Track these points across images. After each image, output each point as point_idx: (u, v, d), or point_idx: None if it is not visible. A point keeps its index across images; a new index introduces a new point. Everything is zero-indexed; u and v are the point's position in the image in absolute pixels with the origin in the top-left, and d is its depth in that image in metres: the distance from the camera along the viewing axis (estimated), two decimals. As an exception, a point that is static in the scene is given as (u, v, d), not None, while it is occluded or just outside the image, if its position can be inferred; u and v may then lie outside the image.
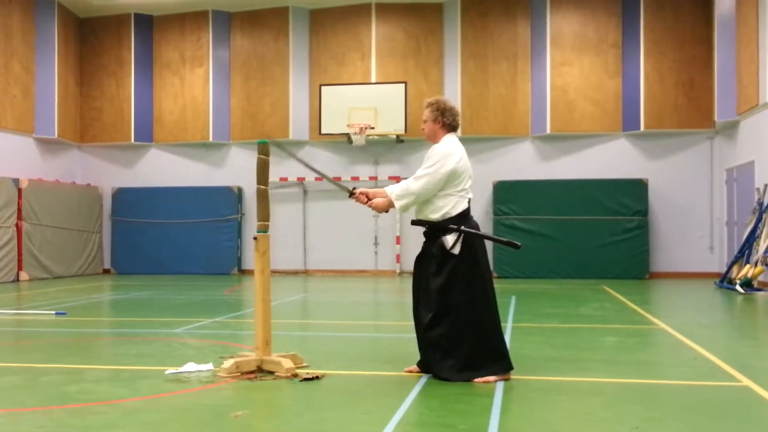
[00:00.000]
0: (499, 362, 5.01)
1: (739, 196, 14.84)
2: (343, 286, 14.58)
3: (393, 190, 5.19)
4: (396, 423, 3.98)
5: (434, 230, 5.12)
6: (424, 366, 5.22)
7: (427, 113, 5.29)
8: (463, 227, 5.04)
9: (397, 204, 5.15)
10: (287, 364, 5.20)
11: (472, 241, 5.06)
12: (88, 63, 18.51)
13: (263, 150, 5.44)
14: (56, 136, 17.17)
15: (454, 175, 5.07)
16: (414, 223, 5.28)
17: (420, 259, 5.25)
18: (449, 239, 5.03)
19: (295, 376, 5.11)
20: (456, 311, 4.99)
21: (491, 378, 4.96)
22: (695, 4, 16.27)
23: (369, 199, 5.26)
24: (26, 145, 16.83)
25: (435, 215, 5.10)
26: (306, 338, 7.54)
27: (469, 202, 5.20)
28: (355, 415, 4.19)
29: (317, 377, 5.10)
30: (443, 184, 5.07)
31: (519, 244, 5.09)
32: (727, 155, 15.86)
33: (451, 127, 5.28)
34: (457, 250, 5.02)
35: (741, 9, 14.39)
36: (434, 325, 5.04)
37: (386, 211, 5.30)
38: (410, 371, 5.32)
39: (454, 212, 5.08)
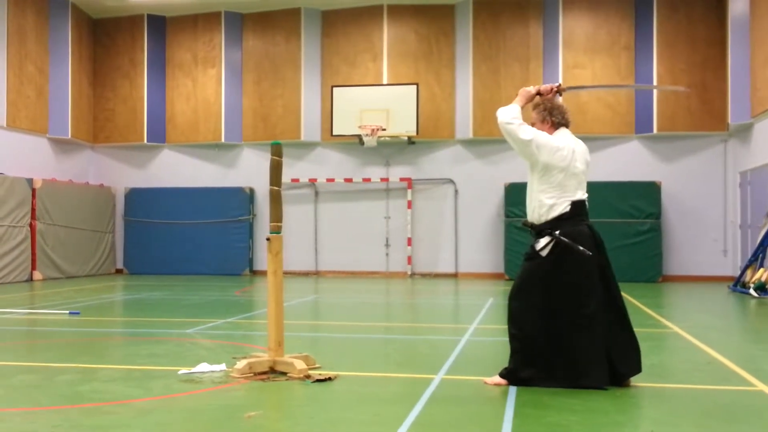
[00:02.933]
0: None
1: (753, 200, 14.74)
2: (354, 287, 14.58)
3: (511, 110, 5.07)
4: (408, 425, 3.97)
5: (535, 232, 5.07)
6: None
7: (534, 116, 5.20)
8: (558, 232, 4.90)
9: (500, 113, 5.09)
10: (300, 365, 5.20)
11: (565, 249, 4.89)
12: (101, 64, 18.61)
13: (276, 151, 5.45)
14: (70, 136, 17.27)
15: (548, 168, 4.96)
16: (523, 224, 5.26)
17: None
18: (541, 242, 4.97)
19: (308, 377, 5.11)
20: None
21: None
22: (708, 6, 16.18)
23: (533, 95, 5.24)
24: (40, 146, 16.93)
25: (534, 217, 5.07)
26: (318, 339, 7.55)
27: (573, 204, 4.99)
28: (367, 417, 4.18)
29: (329, 378, 5.10)
30: (522, 151, 5.02)
31: (590, 253, 4.94)
32: (740, 158, 15.77)
33: (561, 125, 5.18)
34: (545, 253, 4.94)
35: (755, 10, 14.30)
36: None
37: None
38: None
39: (551, 215, 4.97)
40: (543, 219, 5.00)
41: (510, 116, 5.03)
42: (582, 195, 5.08)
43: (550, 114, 5.16)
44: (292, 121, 17.73)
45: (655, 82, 16.19)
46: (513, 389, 4.80)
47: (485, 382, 4.98)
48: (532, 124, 5.19)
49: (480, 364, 5.71)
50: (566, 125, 5.20)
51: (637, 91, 16.54)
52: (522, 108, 5.14)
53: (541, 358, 4.87)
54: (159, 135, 18.43)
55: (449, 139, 17.23)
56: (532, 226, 5.09)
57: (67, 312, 9.35)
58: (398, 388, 5.00)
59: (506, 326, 5.09)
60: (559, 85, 5.31)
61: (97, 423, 4.02)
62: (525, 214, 5.24)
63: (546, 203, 4.99)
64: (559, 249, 4.91)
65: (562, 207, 4.98)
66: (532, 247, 5.02)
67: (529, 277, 4.99)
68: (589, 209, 5.21)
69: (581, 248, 4.86)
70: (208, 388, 4.89)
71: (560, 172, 4.98)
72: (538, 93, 5.22)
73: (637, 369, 4.98)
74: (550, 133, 5.12)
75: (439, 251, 17.40)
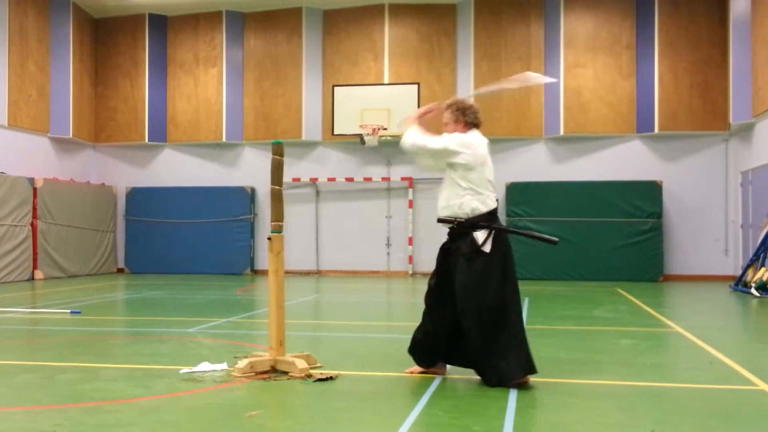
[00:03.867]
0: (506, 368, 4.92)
1: (755, 199, 14.73)
2: (355, 286, 14.58)
3: (413, 132, 5.17)
4: (410, 424, 3.97)
5: (463, 227, 5.02)
6: (443, 362, 5.20)
7: (447, 115, 5.25)
8: (494, 224, 4.99)
9: (404, 139, 5.21)
10: (301, 364, 5.20)
11: (502, 241, 4.99)
12: (102, 63, 18.62)
13: (277, 150, 5.45)
14: (71, 135, 17.27)
15: (468, 166, 5.01)
16: (441, 221, 5.18)
17: (445, 258, 5.15)
18: (480, 236, 4.95)
19: (309, 376, 5.11)
20: (479, 311, 4.91)
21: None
22: (710, 5, 16.16)
23: (418, 117, 5.32)
24: (41, 145, 16.94)
25: (464, 212, 5.03)
26: (319, 339, 7.55)
27: (497, 201, 5.14)
28: (369, 416, 4.19)
29: (331, 378, 5.11)
30: (441, 159, 5.09)
31: (556, 240, 4.96)
32: (742, 158, 15.75)
33: (474, 125, 5.24)
34: (488, 248, 4.94)
35: (756, 10, 14.28)
36: (463, 324, 4.99)
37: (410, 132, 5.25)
38: (412, 372, 5.31)
39: (484, 209, 5.01)
40: (476, 213, 5.01)
41: (412, 138, 5.14)
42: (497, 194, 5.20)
43: (462, 114, 5.23)
44: (293, 120, 17.73)
45: (656, 81, 16.20)
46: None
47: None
48: (446, 124, 5.27)
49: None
50: (478, 126, 5.28)
51: (638, 89, 16.47)
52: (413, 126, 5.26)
53: (493, 354, 4.88)
54: (160, 134, 18.43)
55: (450, 138, 17.21)
56: (459, 222, 5.05)
57: (69, 311, 9.35)
58: (399, 387, 5.00)
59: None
60: (438, 103, 5.40)
61: (98, 422, 4.02)
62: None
63: (477, 197, 5.03)
64: (499, 243, 4.96)
65: (491, 201, 5.08)
66: (472, 244, 4.95)
67: (480, 275, 4.92)
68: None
69: (549, 237, 4.98)
70: (209, 387, 4.89)
71: (477, 170, 5.04)
72: (425, 113, 5.35)
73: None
74: (463, 133, 5.19)
75: (441, 250, 17.37)
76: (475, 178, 5.04)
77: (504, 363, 4.84)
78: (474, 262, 4.95)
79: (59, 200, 16.61)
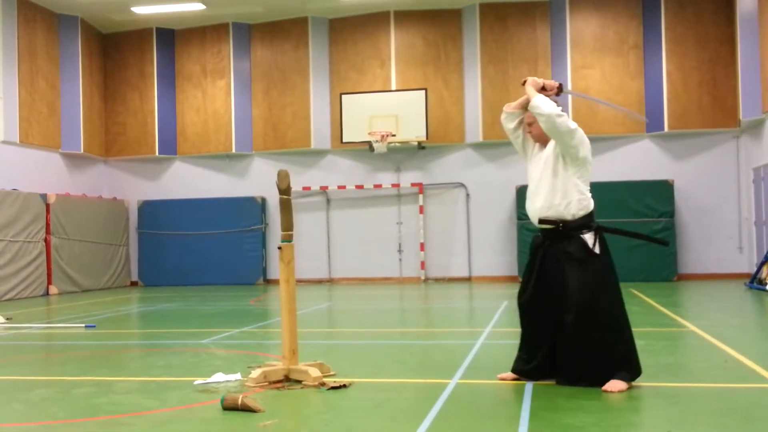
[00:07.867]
0: (627, 369, 4.81)
1: (767, 196, 14.62)
2: (367, 293, 14.57)
3: (548, 101, 4.87)
4: (424, 430, 3.96)
5: (568, 228, 4.88)
6: (534, 372, 5.04)
7: (530, 116, 5.08)
8: (601, 225, 4.91)
9: (539, 104, 4.84)
10: (314, 372, 5.20)
11: (605, 243, 4.91)
12: (111, 78, 18.74)
13: (284, 186, 5.39)
14: (82, 151, 17.39)
15: (586, 160, 4.90)
16: (543, 221, 4.96)
17: (545, 261, 4.98)
18: (589, 238, 4.85)
19: (323, 384, 5.11)
20: (604, 314, 4.79)
21: (621, 385, 4.74)
22: (717, 3, 16.10)
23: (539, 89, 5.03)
24: (53, 161, 17.06)
25: (570, 213, 4.88)
26: (332, 347, 7.55)
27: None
28: (383, 423, 4.18)
29: (344, 386, 5.10)
30: (564, 143, 4.82)
31: (667, 242, 4.89)
32: (753, 154, 15.66)
33: None
34: (597, 250, 4.85)
35: (763, 6, 14.22)
36: (582, 329, 4.78)
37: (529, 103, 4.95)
38: (504, 378, 5.18)
39: (590, 209, 4.91)
40: (580, 214, 4.88)
41: (557, 108, 4.85)
42: None
43: None
44: (301, 129, 17.78)
45: (664, 81, 16.18)
46: (529, 392, 4.78)
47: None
48: (529, 124, 5.11)
49: (495, 368, 5.68)
50: None
51: (647, 89, 16.43)
52: None
53: (620, 358, 4.81)
54: (170, 147, 18.53)
55: (459, 143, 17.22)
56: (564, 223, 4.90)
57: (84, 325, 9.40)
58: (413, 393, 4.99)
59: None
60: (561, 84, 5.26)
61: (114, 435, 4.04)
62: None
63: (586, 196, 4.92)
64: (604, 245, 4.89)
65: (593, 202, 4.98)
66: (584, 247, 4.83)
67: (597, 277, 4.83)
68: (600, 209, 5.20)
69: (660, 239, 4.88)
70: (223, 397, 4.89)
71: (591, 165, 4.97)
72: (543, 87, 5.12)
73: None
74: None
75: (452, 255, 17.38)
76: (586, 175, 4.93)
77: (596, 366, 4.78)
78: (587, 266, 4.83)
79: (72, 215, 16.71)
